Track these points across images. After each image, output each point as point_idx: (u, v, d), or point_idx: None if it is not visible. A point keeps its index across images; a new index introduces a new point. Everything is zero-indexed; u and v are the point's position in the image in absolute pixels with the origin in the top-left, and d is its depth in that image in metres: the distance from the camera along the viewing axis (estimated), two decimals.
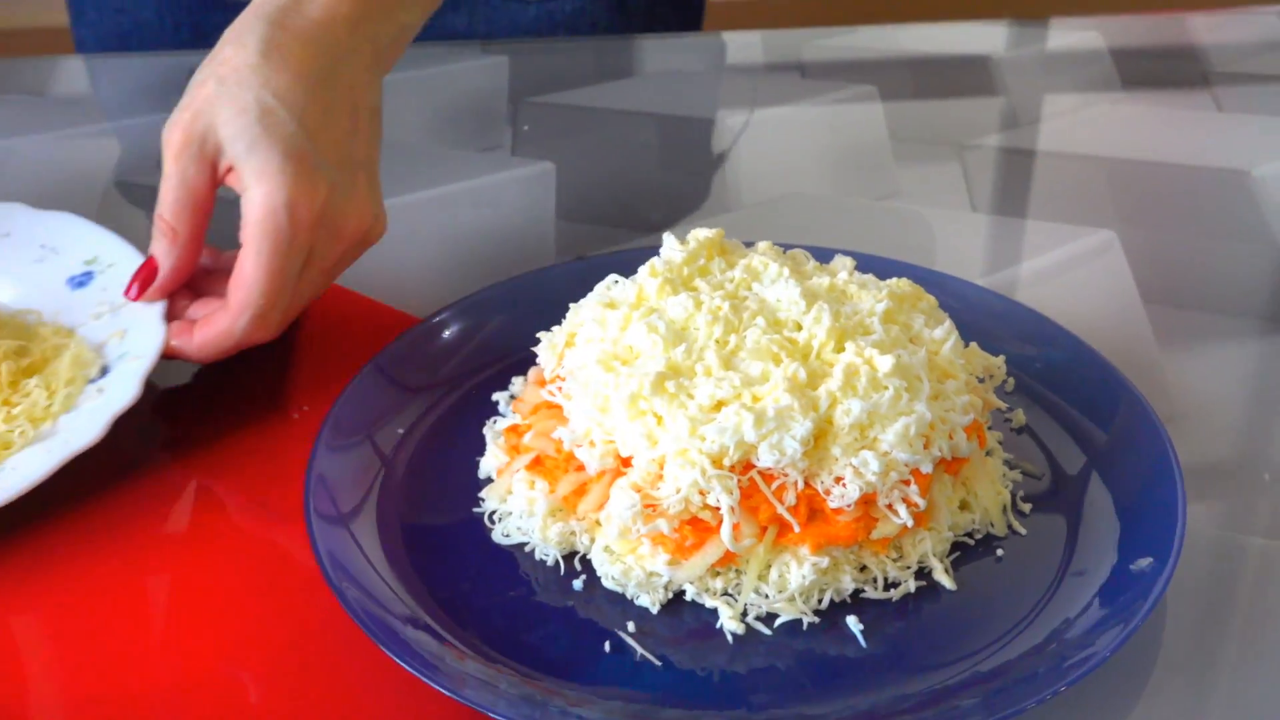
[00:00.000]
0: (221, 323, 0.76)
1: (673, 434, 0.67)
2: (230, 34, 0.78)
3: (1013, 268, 0.92)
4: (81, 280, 0.83)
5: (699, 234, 0.76)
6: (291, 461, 0.75)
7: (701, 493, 0.66)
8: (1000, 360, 0.76)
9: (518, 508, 0.72)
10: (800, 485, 0.67)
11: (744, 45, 1.17)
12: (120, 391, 0.74)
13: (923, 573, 0.69)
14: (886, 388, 0.68)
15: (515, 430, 0.74)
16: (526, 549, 0.71)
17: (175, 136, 0.76)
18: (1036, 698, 0.61)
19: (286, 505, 0.74)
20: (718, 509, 0.66)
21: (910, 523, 0.68)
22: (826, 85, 1.13)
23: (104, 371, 0.77)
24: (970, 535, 0.71)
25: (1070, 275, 0.90)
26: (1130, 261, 0.90)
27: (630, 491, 0.67)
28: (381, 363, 0.79)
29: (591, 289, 0.84)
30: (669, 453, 0.67)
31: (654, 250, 0.88)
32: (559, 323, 0.82)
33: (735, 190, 1.01)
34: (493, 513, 0.73)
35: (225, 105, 0.75)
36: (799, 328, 0.71)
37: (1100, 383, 0.77)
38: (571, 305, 0.75)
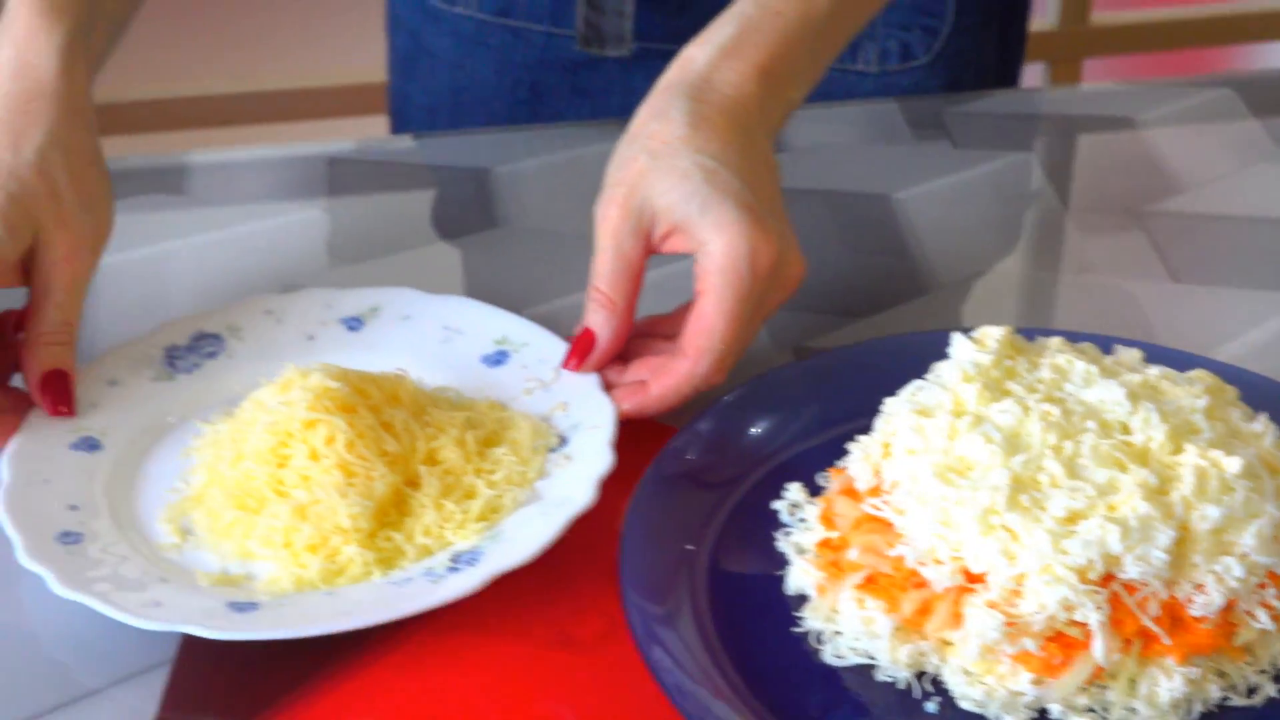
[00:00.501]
0: (681, 369, 0.79)
1: (1032, 549, 0.65)
2: (650, 111, 0.83)
3: (1237, 340, 0.92)
4: (497, 359, 0.86)
5: (991, 332, 0.75)
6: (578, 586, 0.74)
7: (1068, 608, 0.65)
8: None
9: (850, 628, 0.70)
10: (1164, 595, 0.66)
11: (881, 114, 1.16)
12: (595, 457, 0.76)
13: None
14: (1235, 489, 0.67)
15: (829, 545, 0.72)
16: (861, 669, 0.69)
17: (611, 212, 0.80)
18: None
19: (583, 633, 0.72)
20: (1083, 624, 0.65)
21: (1272, 627, 0.67)
22: (979, 155, 1.12)
23: (563, 441, 0.79)
24: None
25: None
26: None
27: (991, 611, 0.66)
28: (664, 472, 0.77)
29: (832, 386, 0.84)
30: (1031, 569, 0.65)
31: (885, 343, 0.87)
32: (801, 425, 0.81)
33: (924, 269, 1.00)
34: (817, 632, 0.71)
35: (663, 176, 0.79)
36: (1126, 430, 0.70)
37: None
38: (883, 413, 0.73)
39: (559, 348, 0.85)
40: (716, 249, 0.78)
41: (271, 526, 0.73)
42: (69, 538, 0.72)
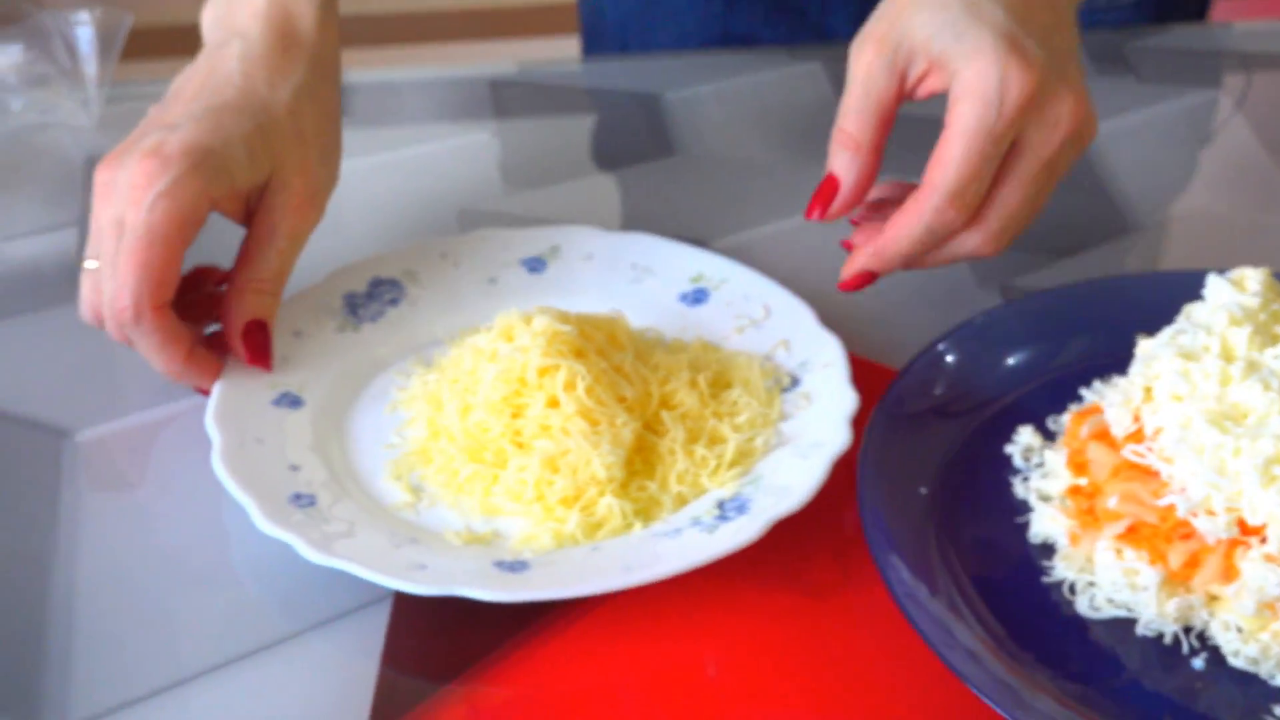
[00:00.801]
0: (914, 205, 0.73)
1: None
2: None
3: None
4: (697, 297, 0.83)
5: (1250, 274, 0.71)
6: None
7: None
8: None
9: (1108, 579, 0.67)
10: None
11: None
12: (838, 396, 0.73)
13: None
14: None
15: (1081, 492, 0.69)
16: (1119, 623, 0.66)
17: (867, 48, 0.74)
18: None
19: (817, 580, 0.69)
20: None
21: None
22: (1167, 91, 1.08)
23: (795, 381, 0.76)
24: None
25: None
26: None
27: (1271, 565, 0.62)
28: (890, 414, 0.74)
29: (1051, 327, 0.80)
30: None
31: (1101, 284, 0.84)
32: (1021, 367, 0.77)
33: (1122, 208, 0.96)
34: (1070, 582, 0.68)
35: (923, 8, 0.73)
36: None
37: None
38: (1139, 359, 0.70)
39: (761, 283, 0.82)
40: (965, 76, 0.71)
41: (520, 480, 0.69)
42: (301, 500, 0.69)
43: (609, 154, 1.02)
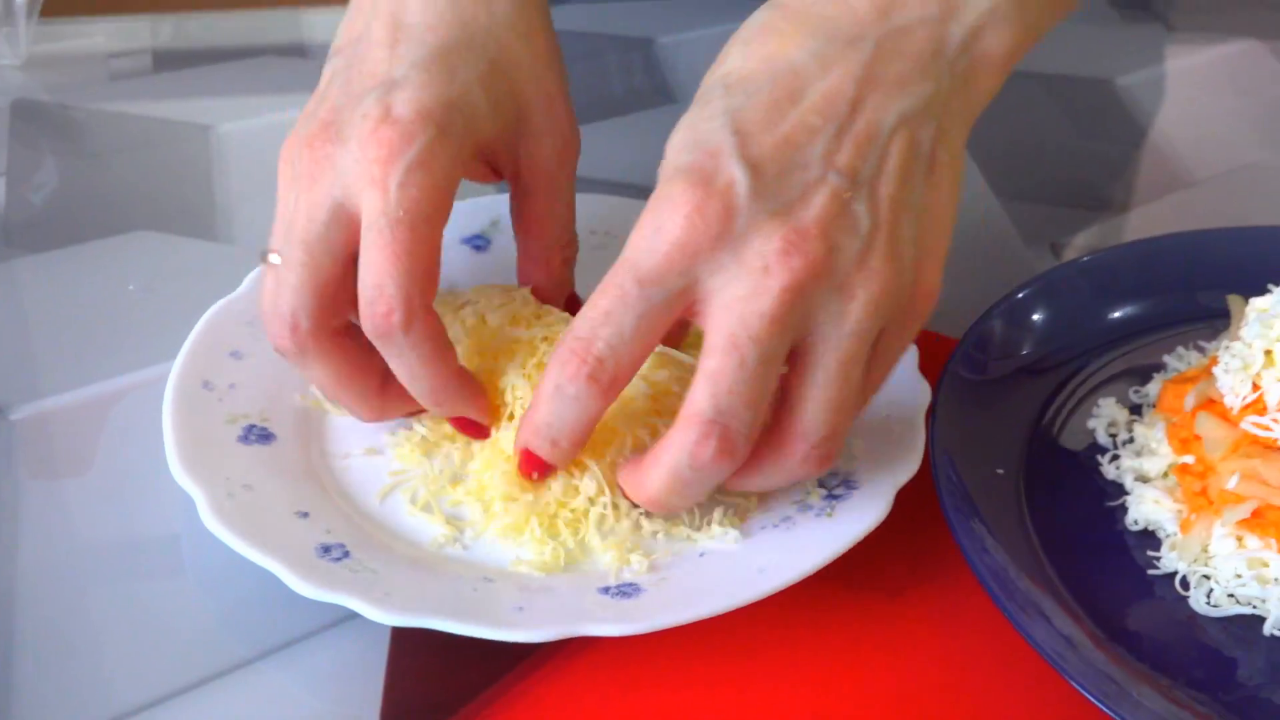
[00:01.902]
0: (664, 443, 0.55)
1: None
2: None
3: None
4: None
5: None
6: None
7: None
8: None
9: (1229, 571, 0.58)
10: None
11: None
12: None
13: None
14: None
15: (1190, 471, 0.60)
16: (1242, 621, 0.57)
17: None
18: None
19: (889, 577, 0.60)
20: None
21: None
22: (1200, 39, 1.00)
23: None
24: None
25: None
26: None
27: None
28: (955, 390, 0.64)
29: (1119, 288, 0.72)
30: None
31: (1172, 240, 0.75)
32: (1094, 332, 0.69)
33: (1171, 162, 0.88)
34: (1181, 576, 0.59)
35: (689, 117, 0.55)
36: None
37: None
38: (1254, 319, 0.61)
39: None
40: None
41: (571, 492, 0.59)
42: (332, 553, 0.56)
43: (602, 102, 0.92)
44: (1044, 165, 0.83)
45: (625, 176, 0.83)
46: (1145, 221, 0.83)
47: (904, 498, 0.59)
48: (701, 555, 0.58)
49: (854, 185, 0.51)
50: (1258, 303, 0.62)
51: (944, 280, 0.54)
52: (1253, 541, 0.58)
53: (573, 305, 0.65)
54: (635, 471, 0.54)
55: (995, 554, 0.57)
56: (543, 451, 0.55)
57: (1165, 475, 0.62)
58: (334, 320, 0.57)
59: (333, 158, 0.56)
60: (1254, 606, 0.58)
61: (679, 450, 0.51)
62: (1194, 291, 0.72)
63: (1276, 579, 0.57)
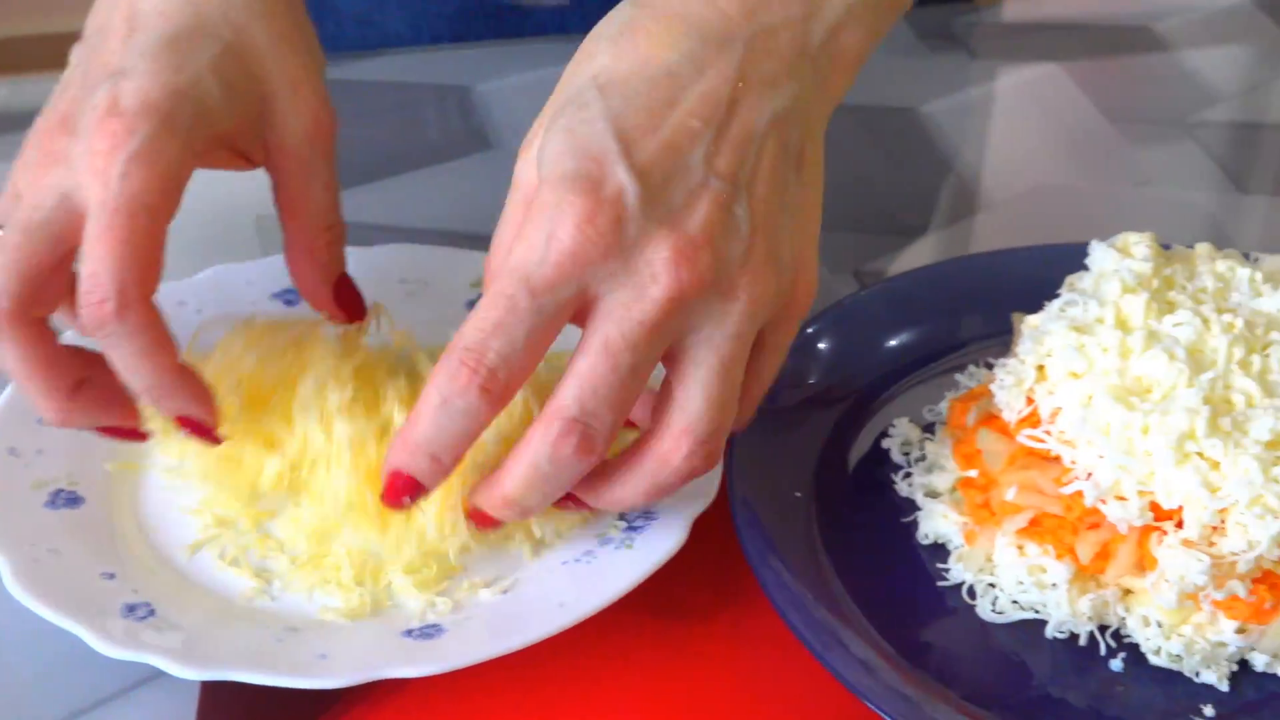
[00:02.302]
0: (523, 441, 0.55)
1: (1239, 479, 0.56)
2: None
3: None
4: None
5: (1134, 239, 0.66)
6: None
7: None
8: None
9: (1011, 578, 0.61)
10: None
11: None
12: None
13: None
14: None
15: (972, 485, 0.63)
16: (1026, 626, 0.60)
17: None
18: None
19: (695, 601, 0.61)
20: None
21: None
22: (1002, 65, 1.04)
23: None
24: None
25: None
26: None
27: (1192, 552, 0.57)
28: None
29: (913, 311, 0.74)
30: (1240, 501, 0.56)
31: (962, 263, 0.78)
32: (886, 356, 0.71)
33: (971, 185, 0.91)
34: (968, 585, 0.61)
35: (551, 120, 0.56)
36: None
37: None
38: (1026, 336, 0.64)
39: None
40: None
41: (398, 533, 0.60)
42: (137, 611, 0.57)
43: (419, 150, 0.93)
44: (850, 194, 0.86)
45: (443, 225, 0.84)
46: (947, 244, 0.86)
47: (707, 524, 0.61)
48: (505, 593, 0.59)
49: (734, 189, 0.53)
50: (1031, 319, 0.65)
51: None
52: (1032, 549, 0.60)
53: (343, 288, 0.64)
54: (489, 480, 0.55)
55: (793, 587, 0.59)
56: (419, 470, 0.53)
57: (953, 490, 0.64)
58: (36, 309, 0.56)
59: (66, 150, 0.56)
60: (1036, 611, 0.60)
61: (540, 444, 0.52)
62: (991, 310, 0.74)
63: (1054, 584, 0.60)
